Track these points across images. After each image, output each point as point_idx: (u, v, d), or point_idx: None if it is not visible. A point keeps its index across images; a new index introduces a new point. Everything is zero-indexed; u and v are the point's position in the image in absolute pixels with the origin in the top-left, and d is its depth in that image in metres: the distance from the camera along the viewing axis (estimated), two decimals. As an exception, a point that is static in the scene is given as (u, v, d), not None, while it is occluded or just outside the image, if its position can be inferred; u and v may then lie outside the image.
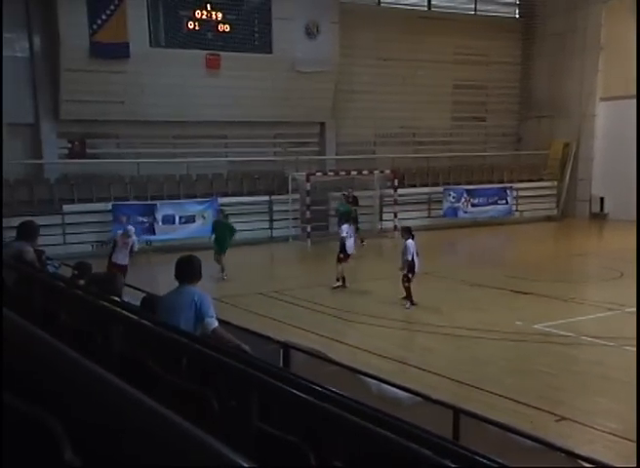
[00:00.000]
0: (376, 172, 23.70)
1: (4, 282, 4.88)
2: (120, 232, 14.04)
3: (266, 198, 22.94)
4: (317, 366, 6.20)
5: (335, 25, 24.26)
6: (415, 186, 25.81)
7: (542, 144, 28.84)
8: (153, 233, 20.69)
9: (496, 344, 10.56)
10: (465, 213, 26.12)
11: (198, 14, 22.30)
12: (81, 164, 21.50)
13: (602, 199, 27.52)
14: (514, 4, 30.57)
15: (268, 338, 6.73)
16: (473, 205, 26.23)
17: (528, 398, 7.98)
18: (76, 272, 8.15)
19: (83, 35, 20.39)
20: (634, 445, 5.85)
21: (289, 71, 23.50)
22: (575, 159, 28.34)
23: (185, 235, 20.44)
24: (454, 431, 4.80)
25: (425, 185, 26.13)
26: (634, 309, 10.33)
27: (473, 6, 29.31)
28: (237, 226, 21.67)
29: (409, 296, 12.79)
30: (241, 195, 22.69)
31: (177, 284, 5.65)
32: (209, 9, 22.43)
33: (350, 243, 15.11)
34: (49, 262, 9.84)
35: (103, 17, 20.60)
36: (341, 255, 15.01)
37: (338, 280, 14.93)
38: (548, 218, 27.71)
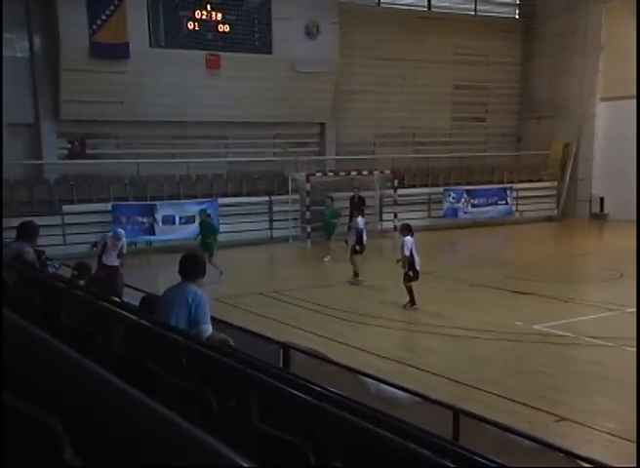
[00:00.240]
0: (375, 172, 23.70)
1: (4, 282, 4.89)
2: (110, 234, 13.77)
3: (266, 198, 22.94)
4: (316, 366, 6.20)
5: (334, 25, 24.26)
6: (415, 187, 25.80)
7: (543, 145, 28.84)
8: (153, 233, 20.69)
9: (495, 344, 10.56)
10: (465, 213, 26.12)
11: (198, 14, 22.28)
12: (81, 164, 21.50)
13: (602, 199, 27.52)
14: (514, 4, 30.55)
15: (268, 339, 6.73)
16: (473, 205, 26.23)
17: (527, 398, 7.97)
18: (76, 272, 8.15)
19: (83, 35, 20.38)
20: (633, 445, 5.85)
21: (289, 71, 23.50)
22: (575, 159, 28.34)
23: (185, 235, 20.38)
24: (453, 431, 4.80)
25: (425, 186, 26.12)
26: (634, 309, 10.33)
27: (473, 6, 29.28)
28: (237, 227, 21.89)
29: (410, 296, 12.73)
30: (241, 195, 22.70)
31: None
32: (209, 9, 22.42)
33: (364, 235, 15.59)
34: (49, 263, 9.86)
35: (103, 17, 20.60)
36: (357, 247, 15.33)
37: (356, 274, 15.28)
38: (548, 219, 27.72)
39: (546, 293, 13.81)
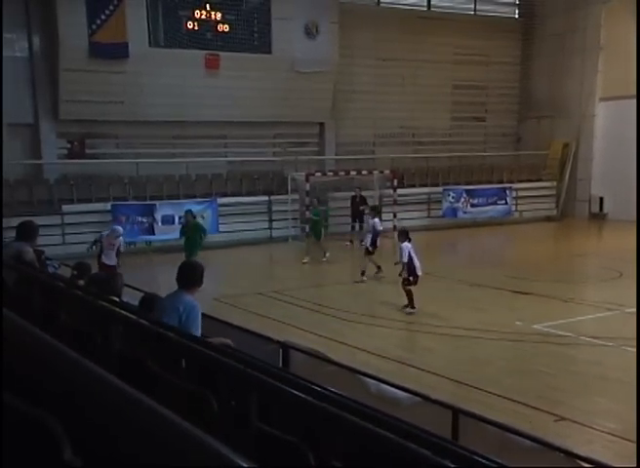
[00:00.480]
0: (375, 172, 23.68)
1: (4, 282, 4.88)
2: (106, 233, 13.58)
3: (266, 198, 22.94)
4: (316, 366, 6.20)
5: (334, 25, 24.25)
6: (414, 186, 25.80)
7: (542, 144, 28.84)
8: (152, 233, 20.70)
9: (495, 344, 10.56)
10: (465, 213, 26.12)
11: (197, 14, 22.27)
12: (80, 164, 21.48)
13: (601, 199, 27.53)
14: (514, 4, 30.56)
15: (268, 338, 6.73)
16: (473, 205, 26.23)
17: (527, 398, 7.97)
18: (76, 272, 8.14)
19: (82, 35, 20.37)
20: (633, 445, 5.85)
21: (288, 71, 23.49)
22: (574, 159, 28.34)
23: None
24: (453, 431, 4.81)
25: (425, 185, 26.13)
26: (634, 309, 10.34)
27: (473, 6, 29.29)
28: (236, 226, 21.90)
29: (410, 300, 12.69)
30: (240, 195, 22.70)
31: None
32: (208, 9, 22.41)
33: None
34: (48, 262, 9.86)
35: (103, 17, 20.59)
36: (371, 248, 15.75)
37: (378, 270, 15.71)
38: (548, 218, 27.72)
39: (546, 293, 13.81)
